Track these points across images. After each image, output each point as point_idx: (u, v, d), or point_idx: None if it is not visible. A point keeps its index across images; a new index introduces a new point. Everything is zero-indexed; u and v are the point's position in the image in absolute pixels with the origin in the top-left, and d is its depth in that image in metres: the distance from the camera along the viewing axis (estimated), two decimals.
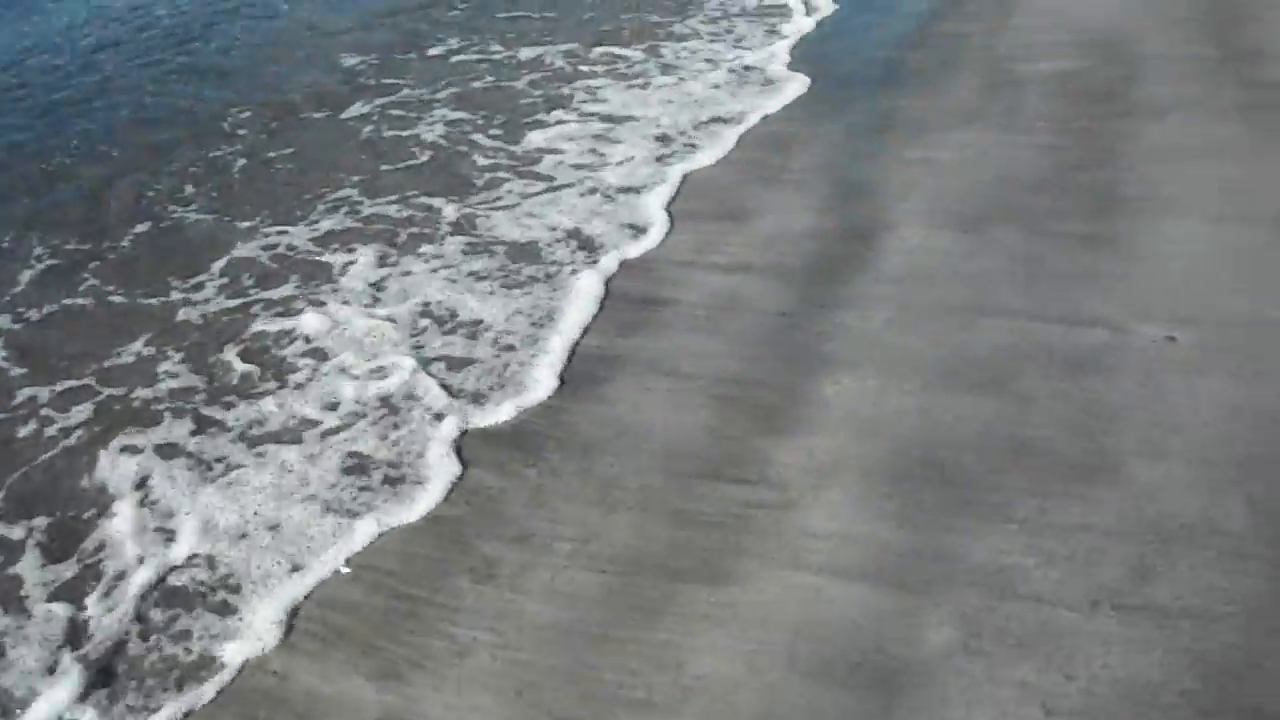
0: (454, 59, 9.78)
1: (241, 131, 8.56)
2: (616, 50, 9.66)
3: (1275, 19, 8.67)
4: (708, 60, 9.23)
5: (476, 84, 9.11)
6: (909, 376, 4.80)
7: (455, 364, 5.31)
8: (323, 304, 5.94)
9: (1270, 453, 4.15)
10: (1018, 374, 4.73)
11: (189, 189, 7.59)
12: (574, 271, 6.03)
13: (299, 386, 5.25)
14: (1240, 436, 4.24)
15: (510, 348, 5.38)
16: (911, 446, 4.38)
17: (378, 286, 6.10)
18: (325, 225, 6.84)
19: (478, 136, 8.01)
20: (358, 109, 8.79)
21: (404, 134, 8.17)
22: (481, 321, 5.64)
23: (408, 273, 6.21)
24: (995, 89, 7.97)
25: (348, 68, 9.83)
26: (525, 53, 9.74)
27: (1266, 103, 7.13)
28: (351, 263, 6.35)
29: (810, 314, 5.37)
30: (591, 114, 8.28)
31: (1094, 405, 4.49)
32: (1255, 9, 8.97)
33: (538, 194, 7.02)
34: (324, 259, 6.44)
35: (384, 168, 7.66)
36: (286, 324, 5.79)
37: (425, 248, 6.47)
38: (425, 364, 5.31)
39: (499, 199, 7.01)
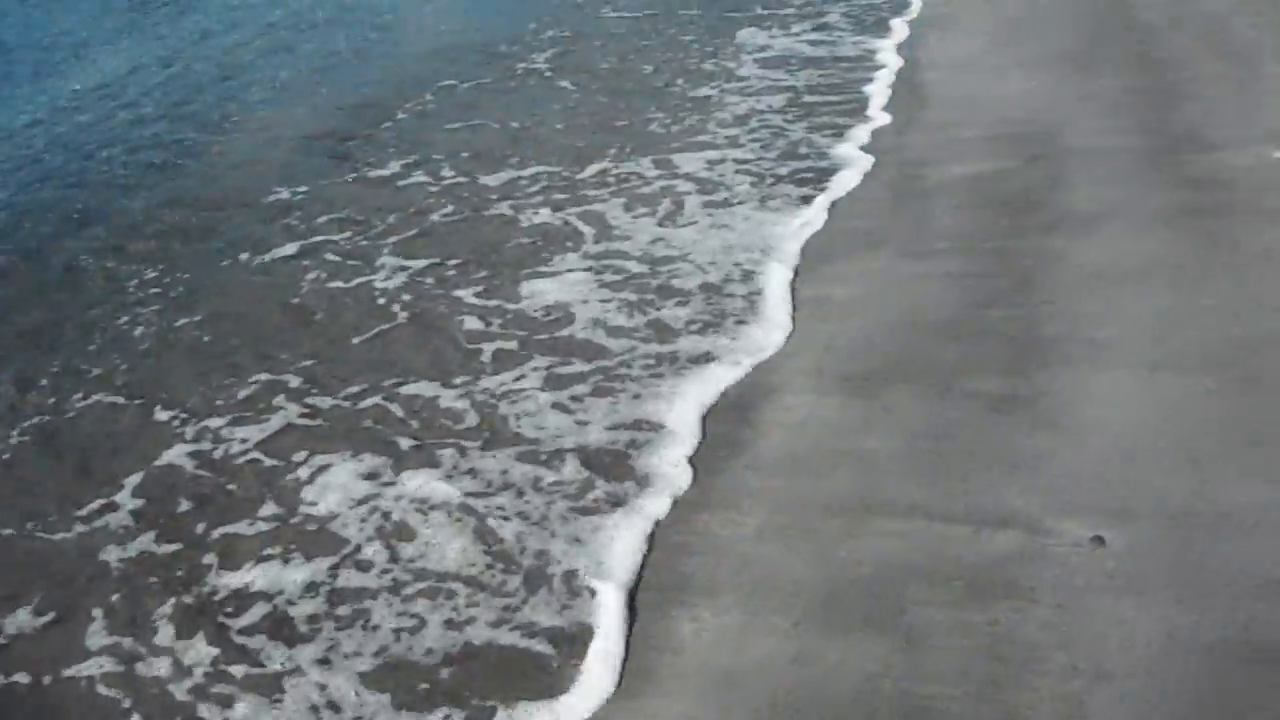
0: (401, 184, 7.81)
1: (152, 288, 6.66)
2: (619, 167, 7.75)
3: (1212, 96, 7.47)
4: (743, 173, 7.30)
5: (436, 217, 7.12)
6: (781, 607, 3.71)
7: None
8: (294, 547, 4.24)
9: (1224, 707, 3.07)
10: (912, 600, 3.63)
11: (89, 368, 5.81)
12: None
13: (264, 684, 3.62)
14: (1186, 683, 3.16)
15: None
16: (777, 713, 3.31)
17: (365, 520, 4.37)
18: (275, 420, 5.05)
19: (460, 292, 6.07)
20: (289, 252, 6.90)
21: (353, 285, 6.32)
22: None
23: (399, 498, 4.47)
24: (902, 201, 6.76)
25: (274, 202, 7.81)
26: (493, 176, 7.76)
27: (1200, 207, 5.93)
28: (324, 479, 4.60)
29: (672, 520, 4.24)
30: (605, 254, 6.36)
31: (1003, 644, 3.40)
32: (1192, 86, 7.75)
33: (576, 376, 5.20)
34: (282, 472, 4.68)
35: (340, 335, 5.81)
36: (243, 577, 4.11)
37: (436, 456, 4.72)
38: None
39: (509, 386, 5.19)
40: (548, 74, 10.42)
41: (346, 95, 10.42)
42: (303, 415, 5.12)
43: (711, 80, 9.50)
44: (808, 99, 8.71)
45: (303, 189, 8.05)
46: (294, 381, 5.42)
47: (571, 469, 4.51)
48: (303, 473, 4.67)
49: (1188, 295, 5.10)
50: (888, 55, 9.54)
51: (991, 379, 4.73)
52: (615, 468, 4.50)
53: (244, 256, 6.98)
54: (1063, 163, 6.84)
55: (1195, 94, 7.58)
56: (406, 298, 6.16)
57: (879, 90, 8.67)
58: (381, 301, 6.14)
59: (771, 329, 5.41)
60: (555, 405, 4.97)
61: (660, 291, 5.92)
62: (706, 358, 5.21)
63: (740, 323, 5.52)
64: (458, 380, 5.26)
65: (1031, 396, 4.57)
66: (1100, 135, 7.17)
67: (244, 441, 4.97)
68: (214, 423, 5.15)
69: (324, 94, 10.58)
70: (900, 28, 10.31)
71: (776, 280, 5.86)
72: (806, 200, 6.88)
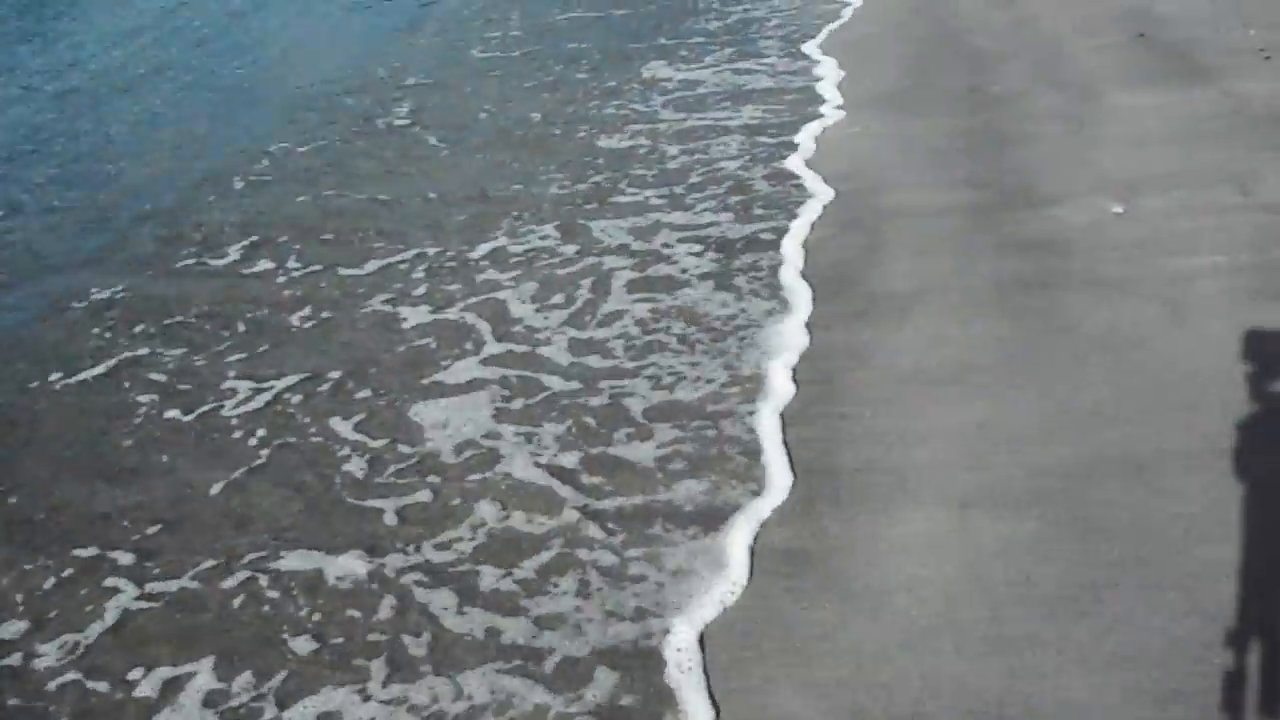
0: (243, 274, 7.08)
1: None
2: (518, 243, 7.09)
3: (1048, 137, 7.45)
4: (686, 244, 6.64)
5: (293, 320, 6.39)
6: None
7: None
8: None
9: None
10: None
11: None
12: None
13: None
14: None
15: None
16: None
17: None
18: (106, 612, 4.28)
19: (337, 422, 5.37)
20: (105, 370, 6.11)
21: (194, 417, 5.57)
22: None
23: None
24: None
25: (89, 305, 6.91)
26: (358, 263, 7.00)
27: (1031, 279, 5.74)
28: (181, 702, 3.83)
29: None
30: (515, 361, 5.68)
31: None
32: (1026, 125, 7.74)
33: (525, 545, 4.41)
34: (118, 694, 3.92)
35: (184, 487, 5.00)
36: None
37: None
38: None
39: (430, 559, 4.41)
40: (412, 128, 9.81)
41: (165, 162, 9.65)
42: (142, 602, 4.34)
43: (620, 126, 9.05)
44: (748, 143, 8.33)
45: (119, 286, 7.22)
46: (126, 556, 4.62)
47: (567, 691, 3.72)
48: (148, 690, 3.88)
49: (1012, 401, 4.81)
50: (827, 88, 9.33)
51: (775, 529, 4.28)
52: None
53: (53, 378, 6.13)
54: (880, 228, 6.63)
55: (1030, 135, 7.53)
56: (264, 432, 5.38)
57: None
58: (236, 436, 5.38)
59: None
60: (503, 590, 4.25)
61: (604, 416, 5.23)
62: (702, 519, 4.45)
63: (746, 456, 4.80)
64: (354, 551, 4.50)
65: (821, 553, 4.12)
66: (924, 191, 7.00)
67: (66, 648, 4.14)
68: (20, 624, 4.30)
69: (137, 162, 9.79)
70: (824, 57, 10.17)
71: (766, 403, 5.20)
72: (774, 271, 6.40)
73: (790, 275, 6.27)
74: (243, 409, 5.66)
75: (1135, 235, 5.96)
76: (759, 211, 7.16)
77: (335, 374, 5.89)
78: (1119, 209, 6.20)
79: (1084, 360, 4.96)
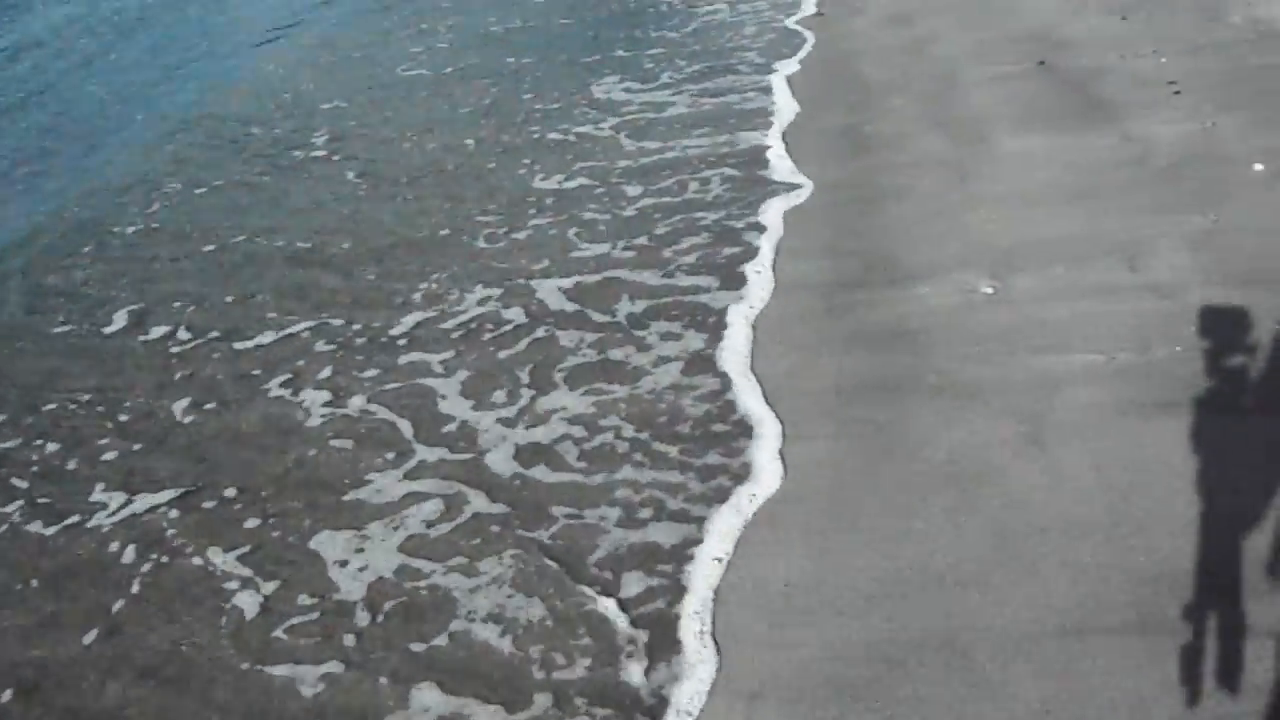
0: (120, 348, 6.65)
1: None
2: (447, 310, 6.47)
3: (923, 192, 6.92)
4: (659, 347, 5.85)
5: (177, 409, 5.90)
6: None
7: None
8: None
9: None
10: None
11: None
12: None
13: None
14: None
15: None
16: None
17: None
18: None
19: (219, 553, 4.80)
20: None
21: (54, 533, 5.12)
22: None
23: None
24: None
25: None
26: (256, 335, 6.53)
27: (878, 380, 5.17)
28: None
29: None
30: (447, 471, 5.07)
31: None
32: (901, 176, 7.17)
33: None
34: None
35: (39, 626, 4.54)
36: None
37: None
38: None
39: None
40: (331, 159, 9.21)
41: (38, 205, 9.00)
42: None
43: (566, 160, 8.44)
44: (719, 176, 7.73)
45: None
46: None
47: None
48: None
49: (830, 551, 4.20)
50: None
51: None
52: None
53: None
54: None
55: (904, 190, 7.01)
56: (130, 558, 4.84)
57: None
58: (106, 551, 4.89)
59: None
60: None
61: (560, 551, 4.57)
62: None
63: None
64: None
65: None
66: (787, 256, 6.46)
67: None
68: None
69: (3, 205, 9.11)
70: (780, 84, 9.59)
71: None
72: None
73: None
74: (111, 520, 5.16)
75: (1003, 323, 5.38)
76: None
77: (223, 486, 5.26)
78: (989, 289, 5.68)
79: (922, 497, 4.34)
